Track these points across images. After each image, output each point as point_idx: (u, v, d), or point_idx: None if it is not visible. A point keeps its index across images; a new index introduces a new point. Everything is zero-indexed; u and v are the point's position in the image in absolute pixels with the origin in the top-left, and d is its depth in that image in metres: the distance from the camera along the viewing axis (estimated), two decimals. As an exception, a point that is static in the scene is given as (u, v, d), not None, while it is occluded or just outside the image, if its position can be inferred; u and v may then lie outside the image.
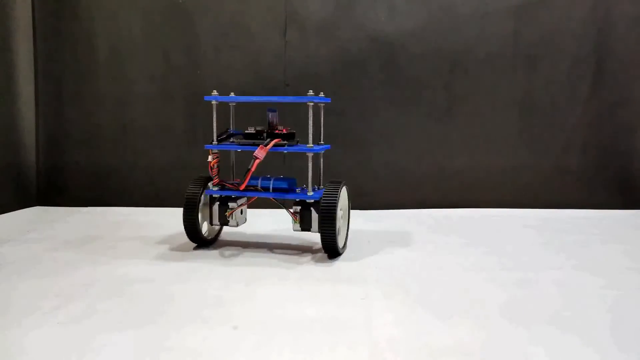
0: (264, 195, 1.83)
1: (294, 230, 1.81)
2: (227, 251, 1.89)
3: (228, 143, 1.91)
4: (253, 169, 1.77)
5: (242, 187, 1.80)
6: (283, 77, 2.59)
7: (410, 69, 2.57)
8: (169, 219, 2.41)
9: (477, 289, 1.49)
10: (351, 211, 2.53)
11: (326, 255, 1.81)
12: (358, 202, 2.62)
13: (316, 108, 1.87)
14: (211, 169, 1.85)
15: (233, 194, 1.86)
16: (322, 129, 1.97)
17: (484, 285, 1.51)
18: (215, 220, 1.88)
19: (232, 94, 1.92)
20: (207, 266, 1.70)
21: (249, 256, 1.82)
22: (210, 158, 1.85)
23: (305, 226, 1.78)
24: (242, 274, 1.63)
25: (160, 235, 2.11)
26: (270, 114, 1.85)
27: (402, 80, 2.57)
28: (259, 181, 1.83)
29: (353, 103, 2.58)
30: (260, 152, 1.74)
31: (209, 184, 1.91)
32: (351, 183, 2.62)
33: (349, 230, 2.00)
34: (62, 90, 2.72)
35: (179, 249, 1.92)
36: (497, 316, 1.29)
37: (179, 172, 2.68)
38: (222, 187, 1.87)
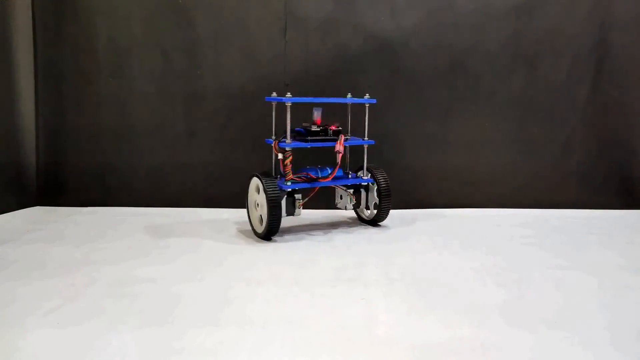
0: (334, 183, 2.14)
1: (348, 209, 2.26)
2: (226, 251, 1.89)
3: (298, 140, 2.08)
4: (340, 162, 2.06)
5: (331, 177, 2.11)
6: (283, 77, 2.59)
7: (410, 69, 2.57)
8: (169, 219, 2.41)
9: (477, 288, 1.49)
10: (352, 211, 2.53)
11: (325, 255, 1.83)
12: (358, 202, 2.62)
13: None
14: (285, 166, 2.02)
15: (309, 186, 2.08)
16: (366, 125, 2.23)
17: (484, 285, 1.51)
18: (285, 212, 2.06)
19: (288, 94, 2.04)
20: (207, 266, 1.70)
21: (248, 255, 1.82)
22: (281, 156, 2.02)
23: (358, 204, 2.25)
24: (242, 273, 1.63)
25: (160, 235, 2.11)
26: (316, 112, 2.12)
27: (401, 79, 2.57)
28: (318, 172, 2.12)
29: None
30: (340, 147, 2.04)
31: (285, 179, 2.04)
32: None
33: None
34: (62, 90, 2.72)
35: (179, 249, 1.92)
36: (497, 316, 1.29)
37: (179, 172, 2.68)
38: (295, 182, 2.05)
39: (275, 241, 2.02)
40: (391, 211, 2.58)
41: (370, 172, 2.24)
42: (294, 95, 2.08)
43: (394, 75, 2.57)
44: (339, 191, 2.30)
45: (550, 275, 1.59)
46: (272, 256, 1.82)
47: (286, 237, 2.09)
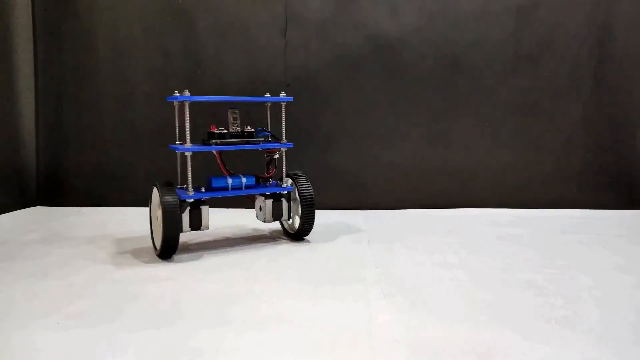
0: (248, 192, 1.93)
1: (267, 222, 2.02)
2: (226, 250, 1.89)
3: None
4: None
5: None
6: (283, 77, 2.59)
7: (411, 69, 2.57)
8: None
9: (477, 289, 1.49)
10: (352, 211, 2.54)
11: (325, 256, 1.82)
12: (358, 202, 2.63)
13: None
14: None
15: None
16: (283, 127, 1.98)
17: (484, 286, 1.51)
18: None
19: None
20: (206, 266, 1.70)
21: (249, 255, 1.82)
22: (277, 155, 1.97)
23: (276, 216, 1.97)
24: (241, 273, 1.63)
25: (160, 235, 2.11)
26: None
27: (402, 79, 2.57)
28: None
29: (353, 103, 2.58)
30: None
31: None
32: (351, 183, 2.64)
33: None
34: (62, 90, 2.72)
35: (180, 249, 1.92)
36: (496, 316, 1.29)
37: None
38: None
39: (275, 242, 2.03)
40: (392, 211, 2.59)
41: (292, 179, 1.99)
42: (291, 93, 2.08)
43: (395, 75, 2.57)
44: (258, 202, 2.00)
45: (549, 275, 1.59)
46: (273, 257, 1.82)
47: (284, 238, 2.09)
